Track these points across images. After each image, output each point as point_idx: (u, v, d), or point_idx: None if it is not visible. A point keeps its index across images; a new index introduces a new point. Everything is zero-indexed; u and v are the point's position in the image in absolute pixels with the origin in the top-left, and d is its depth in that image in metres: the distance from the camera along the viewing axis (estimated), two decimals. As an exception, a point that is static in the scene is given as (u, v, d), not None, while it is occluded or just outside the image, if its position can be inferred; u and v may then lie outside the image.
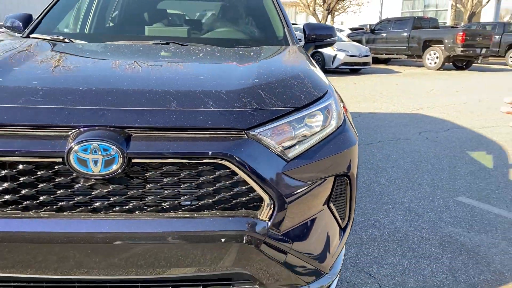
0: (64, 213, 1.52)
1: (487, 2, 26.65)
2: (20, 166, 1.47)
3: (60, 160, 1.45)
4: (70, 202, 1.52)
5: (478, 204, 3.70)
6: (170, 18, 3.18)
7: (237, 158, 1.50)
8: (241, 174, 1.52)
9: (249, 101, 1.65)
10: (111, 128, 1.48)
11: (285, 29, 2.94)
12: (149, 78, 1.82)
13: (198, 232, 1.53)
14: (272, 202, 1.57)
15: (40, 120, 1.49)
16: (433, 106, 8.68)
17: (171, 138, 1.51)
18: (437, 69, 17.03)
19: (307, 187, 1.66)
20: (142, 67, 2.00)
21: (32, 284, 1.61)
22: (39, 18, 2.86)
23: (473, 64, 18.69)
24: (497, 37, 19.77)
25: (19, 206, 1.51)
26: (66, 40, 2.60)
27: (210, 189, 1.55)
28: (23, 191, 1.50)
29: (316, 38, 3.13)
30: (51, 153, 1.44)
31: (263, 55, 2.36)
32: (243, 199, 1.58)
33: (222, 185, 1.55)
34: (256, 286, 1.67)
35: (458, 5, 25.78)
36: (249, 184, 1.55)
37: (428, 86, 11.92)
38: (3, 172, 1.47)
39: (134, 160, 1.47)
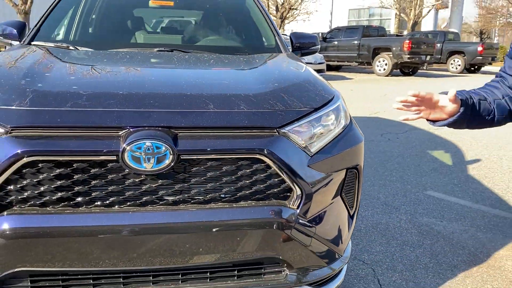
0: (115, 207, 1.64)
1: (427, 12, 28.28)
2: (75, 165, 1.59)
3: (114, 158, 1.58)
4: (120, 197, 1.64)
5: (445, 197, 4.07)
6: (164, 26, 3.32)
7: (271, 153, 1.69)
8: (274, 167, 1.71)
9: (275, 103, 1.85)
10: (160, 128, 1.63)
11: (276, 38, 3.16)
12: (180, 83, 1.98)
13: (236, 220, 1.70)
14: (300, 192, 1.77)
15: (92, 122, 1.62)
16: (389, 109, 9.21)
17: (213, 136, 1.68)
18: (386, 75, 17.91)
19: (326, 178, 1.87)
20: (169, 72, 2.15)
21: (80, 277, 1.71)
22: (38, 25, 2.92)
23: (419, 71, 19.81)
24: (438, 45, 21.05)
25: (71, 202, 1.62)
26: (71, 47, 2.69)
27: (247, 181, 1.72)
28: (76, 188, 1.61)
29: (302, 46, 3.37)
30: (106, 152, 1.57)
31: (270, 62, 2.56)
32: (275, 190, 1.77)
33: (258, 177, 1.73)
34: (284, 268, 1.86)
35: (402, 14, 27.17)
36: (280, 177, 1.74)
37: (381, 91, 12.56)
38: (58, 170, 1.58)
39: (183, 157, 1.62)
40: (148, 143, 1.57)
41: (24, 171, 1.57)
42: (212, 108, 1.75)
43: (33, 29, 2.90)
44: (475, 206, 3.84)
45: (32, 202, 1.61)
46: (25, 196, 1.60)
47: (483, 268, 2.77)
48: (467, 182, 4.53)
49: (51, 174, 1.58)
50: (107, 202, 1.64)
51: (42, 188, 1.59)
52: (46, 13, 3.00)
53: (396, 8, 27.27)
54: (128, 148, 1.56)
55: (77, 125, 1.61)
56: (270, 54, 2.87)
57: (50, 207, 1.62)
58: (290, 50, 3.35)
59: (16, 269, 1.62)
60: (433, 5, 27.71)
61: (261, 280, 1.84)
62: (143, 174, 1.61)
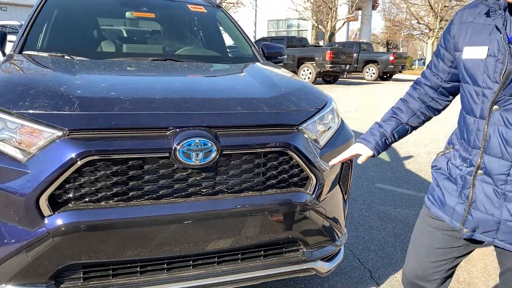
0: (164, 199, 1.84)
1: (343, 24, 30.18)
2: (130, 162, 1.77)
3: (166, 154, 1.79)
4: (169, 190, 1.85)
5: (393, 188, 4.61)
6: (146, 37, 3.48)
7: (294, 147, 1.99)
8: (297, 158, 2.01)
9: (289, 105, 2.16)
10: (202, 128, 1.86)
11: (253, 48, 3.47)
12: (204, 88, 2.22)
13: (265, 206, 1.98)
14: (315, 180, 2.09)
15: (142, 123, 1.81)
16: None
17: (246, 133, 1.94)
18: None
19: (331, 168, 2.20)
20: (188, 79, 2.37)
21: (128, 265, 1.88)
22: (24, 35, 2.95)
23: (339, 79, 21.11)
24: (355, 55, 22.60)
25: (125, 197, 1.80)
26: (66, 57, 2.78)
27: (274, 172, 2.01)
28: (130, 183, 1.79)
29: (271, 55, 3.71)
30: (159, 149, 1.78)
31: (262, 69, 2.86)
32: (295, 179, 2.07)
33: (282, 168, 2.02)
34: (301, 246, 2.16)
35: (320, 26, 28.70)
36: (300, 167, 2.04)
37: (310, 98, 13.28)
38: (115, 168, 1.76)
39: (224, 152, 1.87)
40: (197, 140, 1.80)
41: (83, 170, 1.72)
42: (240, 109, 2.01)
43: (19, 39, 2.93)
44: (419, 195, 4.41)
45: (88, 199, 1.76)
46: (82, 192, 1.75)
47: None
48: (407, 175, 5.13)
49: (108, 172, 1.75)
50: (157, 194, 1.83)
51: (99, 185, 1.75)
52: (29, 23, 3.04)
53: (314, 19, 28.72)
54: (179, 145, 1.78)
55: (129, 126, 1.79)
56: (253, 62, 3.17)
57: (105, 202, 1.78)
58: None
59: (71, 262, 1.76)
60: (348, 17, 29.58)
61: (282, 258, 2.13)
62: (191, 168, 1.83)
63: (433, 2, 29.45)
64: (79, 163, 1.69)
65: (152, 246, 1.85)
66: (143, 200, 1.82)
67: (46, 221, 1.70)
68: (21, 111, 1.77)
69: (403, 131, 1.76)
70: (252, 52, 3.43)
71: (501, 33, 1.33)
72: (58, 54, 2.80)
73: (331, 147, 2.22)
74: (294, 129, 2.06)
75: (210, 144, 1.82)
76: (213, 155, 1.83)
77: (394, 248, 3.18)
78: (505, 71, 1.31)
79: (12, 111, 1.77)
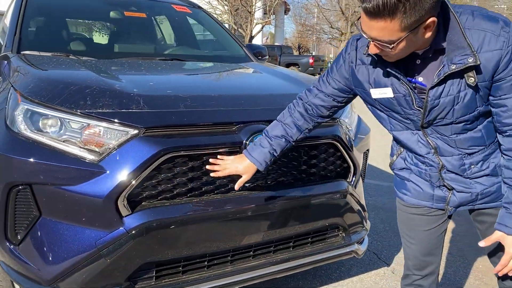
0: (232, 192, 1.89)
1: (262, 28, 30.89)
2: (205, 158, 1.80)
3: (237, 149, 1.85)
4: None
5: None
6: (137, 37, 3.41)
7: (339, 138, 2.14)
8: (341, 149, 2.16)
9: (324, 99, 2.29)
10: (263, 123, 1.94)
11: (244, 49, 3.56)
12: (244, 86, 2.29)
13: (316, 195, 2.10)
14: (353, 168, 2.25)
15: (211, 120, 1.85)
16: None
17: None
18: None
19: (360, 158, 2.38)
20: (224, 78, 2.41)
21: (197, 260, 1.90)
22: (18, 34, 2.77)
23: (263, 81, 21.64)
24: (278, 58, 23.34)
25: (197, 192, 1.82)
26: (71, 56, 2.67)
27: (324, 163, 2.14)
28: (204, 178, 1.82)
29: (255, 55, 3.82)
30: (230, 144, 1.83)
31: (271, 68, 2.97)
32: (339, 168, 2.22)
33: (330, 159, 2.16)
34: (340, 232, 2.31)
35: (240, 29, 29.12)
36: (343, 157, 2.20)
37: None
38: (191, 164, 1.78)
39: (285, 144, 1.96)
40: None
41: (162, 167, 1.72)
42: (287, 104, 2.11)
43: (13, 38, 2.75)
44: (385, 184, 4.78)
45: (163, 196, 1.76)
46: (159, 190, 1.75)
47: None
48: (370, 167, 5.51)
49: (185, 168, 1.77)
50: (226, 188, 1.88)
51: (175, 181, 1.76)
52: (19, 21, 2.86)
53: (233, 23, 29.08)
54: (248, 140, 1.84)
55: (199, 122, 1.82)
56: (251, 61, 3.27)
57: (178, 198, 1.79)
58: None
59: (148, 260, 1.75)
60: (265, 21, 30.33)
61: (327, 244, 2.26)
62: (257, 161, 1.90)
63: (344, 8, 31.26)
64: (159, 160, 1.69)
65: (220, 239, 1.89)
66: (214, 194, 1.86)
67: (124, 221, 1.67)
68: (86, 110, 1.72)
69: (287, 145, 1.71)
70: (245, 53, 3.52)
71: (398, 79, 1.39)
72: (62, 54, 2.67)
73: (358, 139, 2.40)
74: (337, 121, 2.20)
75: (274, 138, 1.90)
76: (277, 147, 1.91)
77: (385, 232, 3.45)
78: (423, 105, 1.37)
79: (75, 110, 1.72)
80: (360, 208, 2.37)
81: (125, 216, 1.68)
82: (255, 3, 28.76)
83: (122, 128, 1.70)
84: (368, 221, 2.59)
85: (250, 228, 1.94)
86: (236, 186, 1.71)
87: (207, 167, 1.72)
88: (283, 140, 1.68)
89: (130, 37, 3.28)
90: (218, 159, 1.72)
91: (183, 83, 2.25)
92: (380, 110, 1.54)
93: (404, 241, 1.78)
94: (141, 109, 1.76)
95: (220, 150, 1.81)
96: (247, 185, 1.93)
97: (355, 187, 2.30)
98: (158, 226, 1.71)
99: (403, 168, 1.66)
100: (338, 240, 2.30)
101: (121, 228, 1.67)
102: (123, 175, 1.65)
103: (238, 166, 1.69)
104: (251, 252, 2.03)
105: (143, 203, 1.74)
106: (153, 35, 3.46)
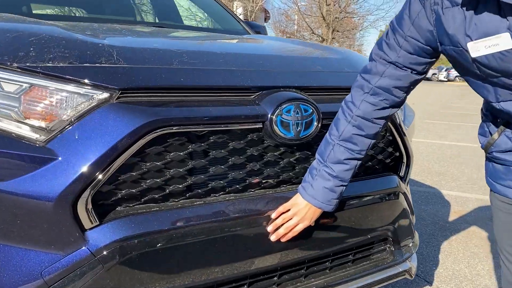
0: (249, 191, 1.28)
1: (242, 33, 30.45)
2: (212, 138, 1.19)
3: (258, 125, 1.24)
4: (258, 177, 1.29)
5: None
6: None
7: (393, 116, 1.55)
8: (393, 132, 1.58)
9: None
10: (293, 90, 1.34)
11: (241, 23, 2.96)
12: (254, 47, 1.69)
13: (359, 194, 1.51)
14: (406, 159, 1.67)
15: (217, 82, 1.24)
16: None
17: (339, 99, 1.46)
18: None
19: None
20: (229, 41, 1.79)
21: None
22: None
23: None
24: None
25: (200, 190, 1.21)
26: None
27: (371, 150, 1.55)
28: (211, 170, 1.21)
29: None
30: (249, 118, 1.22)
31: (280, 38, 2.37)
32: (389, 158, 1.63)
33: (377, 145, 1.57)
34: (389, 245, 1.71)
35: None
36: (395, 143, 1.61)
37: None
38: (191, 146, 1.17)
39: (325, 122, 1.37)
40: (296, 105, 1.28)
41: (147, 151, 1.11)
42: (321, 69, 1.52)
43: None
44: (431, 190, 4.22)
45: (150, 196, 1.15)
46: (142, 187, 1.13)
47: (439, 230, 3.06)
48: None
49: (182, 152, 1.15)
50: (242, 185, 1.27)
51: (167, 174, 1.15)
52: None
53: (214, 28, 28.63)
54: (275, 113, 1.24)
55: (202, 86, 1.21)
56: (255, 34, 2.68)
57: (173, 200, 1.18)
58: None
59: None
60: (247, 27, 29.94)
61: (372, 262, 1.66)
62: (287, 144, 1.30)
63: (325, 14, 30.98)
64: (142, 140, 1.07)
65: (232, 260, 1.27)
66: (224, 194, 1.25)
67: (88, 237, 1.05)
68: (28, 64, 1.09)
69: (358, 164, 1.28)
70: (242, 27, 2.92)
71: None
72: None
73: (407, 124, 1.82)
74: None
75: (311, 111, 1.30)
76: (315, 125, 1.31)
77: (426, 245, 2.86)
78: None
79: (10, 64, 1.08)
80: (411, 214, 1.78)
81: (89, 229, 1.06)
82: (236, 9, 28.39)
83: (84, 90, 1.08)
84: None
85: (274, 244, 1.33)
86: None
87: (268, 229, 1.27)
88: (350, 164, 1.25)
89: (106, 9, 2.65)
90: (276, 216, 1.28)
91: (176, 41, 1.65)
92: (481, 78, 1.00)
93: (505, 257, 1.20)
94: (115, 63, 1.14)
95: (234, 128, 1.21)
96: (264, 181, 1.33)
97: (408, 184, 1.72)
98: (143, 245, 1.09)
99: (509, 151, 1.10)
100: (387, 257, 1.70)
101: (82, 248, 1.05)
102: (85, 163, 1.03)
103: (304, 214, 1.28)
104: (276, 278, 1.41)
105: (117, 209, 1.12)
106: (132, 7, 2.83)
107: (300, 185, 1.28)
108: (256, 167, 1.28)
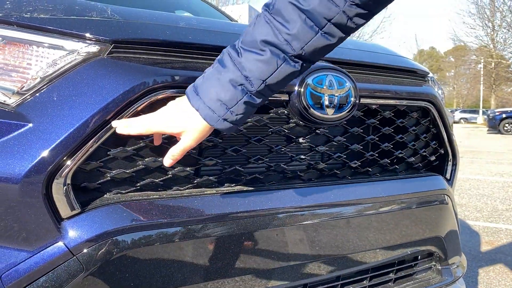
0: (267, 184, 1.03)
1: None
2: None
3: (284, 97, 1.00)
4: (282, 165, 1.04)
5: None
6: None
7: (437, 104, 1.32)
8: (438, 121, 1.33)
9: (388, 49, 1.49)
10: (325, 61, 1.11)
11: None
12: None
13: (399, 197, 1.25)
14: (451, 157, 1.42)
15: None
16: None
17: (380, 77, 1.23)
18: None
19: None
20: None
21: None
22: None
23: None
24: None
25: (213, 178, 0.96)
26: None
27: (412, 142, 1.30)
28: (230, 151, 0.96)
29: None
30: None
31: None
32: (432, 155, 1.38)
33: (421, 137, 1.32)
34: (434, 262, 1.43)
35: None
36: (439, 137, 1.37)
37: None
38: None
39: (362, 101, 1.13)
40: (330, 75, 1.04)
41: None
42: (352, 47, 1.29)
43: None
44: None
45: (147, 181, 0.89)
46: (139, 167, 0.88)
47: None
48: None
49: (190, 125, 0.91)
50: (262, 174, 1.02)
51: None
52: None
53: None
54: (303, 85, 1.00)
55: (213, 45, 0.98)
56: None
57: (178, 187, 0.93)
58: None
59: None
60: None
61: (417, 282, 1.37)
62: (318, 123, 1.05)
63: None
64: (138, 105, 0.84)
65: (248, 270, 1.00)
66: (242, 185, 0.99)
67: (65, 228, 0.79)
68: (0, 15, 0.87)
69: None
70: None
71: None
72: None
73: (446, 119, 1.58)
74: (427, 78, 1.39)
75: (348, 85, 1.07)
76: (352, 102, 1.07)
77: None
78: None
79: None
80: (457, 224, 1.51)
81: (67, 219, 0.80)
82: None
83: (67, 42, 0.85)
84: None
85: (299, 254, 1.05)
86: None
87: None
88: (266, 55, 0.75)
89: None
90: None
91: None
92: None
93: None
94: (108, 18, 0.92)
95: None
96: (300, 170, 1.08)
97: (454, 187, 1.46)
98: (138, 241, 0.83)
99: None
100: (434, 276, 1.41)
101: (57, 243, 0.79)
102: (64, 131, 0.79)
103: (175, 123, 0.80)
104: (303, 297, 1.13)
105: (106, 195, 0.86)
106: None
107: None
108: (279, 152, 1.03)
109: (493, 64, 34.04)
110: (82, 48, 0.84)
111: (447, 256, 1.42)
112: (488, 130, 20.10)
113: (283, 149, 1.04)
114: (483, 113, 32.45)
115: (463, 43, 39.91)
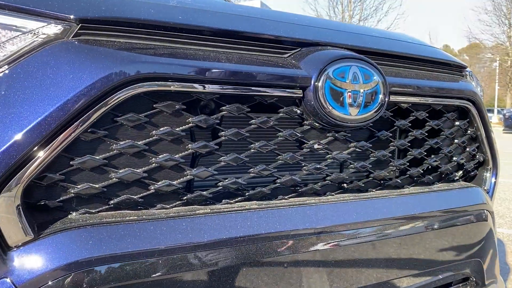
0: (275, 200, 0.84)
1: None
2: (224, 109, 0.76)
3: (297, 93, 0.81)
4: (291, 178, 0.85)
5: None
6: None
7: (477, 102, 1.12)
8: (478, 123, 1.13)
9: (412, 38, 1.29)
10: (344, 47, 0.91)
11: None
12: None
13: (433, 212, 1.05)
14: (491, 165, 1.21)
15: (235, 27, 0.81)
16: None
17: (413, 71, 1.03)
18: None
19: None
20: None
21: None
22: None
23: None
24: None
25: (204, 193, 0.77)
26: None
27: (449, 147, 1.10)
28: (229, 158, 0.77)
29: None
30: (281, 80, 0.79)
31: None
32: (470, 163, 1.18)
33: (458, 141, 1.12)
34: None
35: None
36: (479, 141, 1.16)
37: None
38: (196, 119, 0.74)
39: (392, 98, 0.93)
40: (354, 67, 0.85)
41: (119, 119, 0.68)
42: (378, 35, 1.09)
43: None
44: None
45: (124, 198, 0.71)
46: (114, 181, 0.69)
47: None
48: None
49: (178, 128, 0.72)
50: (268, 189, 0.83)
51: (153, 163, 0.71)
52: None
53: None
54: (320, 77, 0.81)
55: (210, 29, 0.78)
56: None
57: (162, 205, 0.74)
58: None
59: None
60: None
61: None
62: (337, 126, 0.86)
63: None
64: (113, 100, 0.65)
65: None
66: (243, 201, 0.81)
67: (13, 259, 0.61)
68: None
69: None
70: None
71: None
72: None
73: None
74: (465, 73, 1.18)
75: (375, 79, 0.87)
76: (380, 99, 0.88)
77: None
78: None
79: None
80: (496, 243, 1.30)
81: (17, 248, 0.62)
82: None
83: (20, 21, 0.67)
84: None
85: (314, 282, 0.86)
86: None
87: None
88: None
89: None
90: None
91: None
92: None
93: None
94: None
95: (258, 93, 0.78)
96: (320, 184, 0.88)
97: (493, 201, 1.25)
98: (109, 278, 0.64)
99: None
100: (470, 307, 1.21)
101: (3, 279, 0.60)
102: (13, 131, 0.61)
103: None
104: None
105: (70, 216, 0.68)
106: None
107: None
108: (289, 161, 0.84)
109: (509, 62, 33.41)
110: (40, 29, 0.66)
111: (484, 281, 1.22)
112: (504, 130, 19.67)
113: (294, 157, 0.84)
114: (498, 112, 31.94)
115: (478, 41, 39.26)
